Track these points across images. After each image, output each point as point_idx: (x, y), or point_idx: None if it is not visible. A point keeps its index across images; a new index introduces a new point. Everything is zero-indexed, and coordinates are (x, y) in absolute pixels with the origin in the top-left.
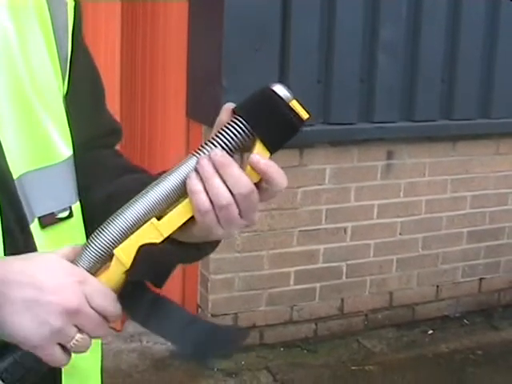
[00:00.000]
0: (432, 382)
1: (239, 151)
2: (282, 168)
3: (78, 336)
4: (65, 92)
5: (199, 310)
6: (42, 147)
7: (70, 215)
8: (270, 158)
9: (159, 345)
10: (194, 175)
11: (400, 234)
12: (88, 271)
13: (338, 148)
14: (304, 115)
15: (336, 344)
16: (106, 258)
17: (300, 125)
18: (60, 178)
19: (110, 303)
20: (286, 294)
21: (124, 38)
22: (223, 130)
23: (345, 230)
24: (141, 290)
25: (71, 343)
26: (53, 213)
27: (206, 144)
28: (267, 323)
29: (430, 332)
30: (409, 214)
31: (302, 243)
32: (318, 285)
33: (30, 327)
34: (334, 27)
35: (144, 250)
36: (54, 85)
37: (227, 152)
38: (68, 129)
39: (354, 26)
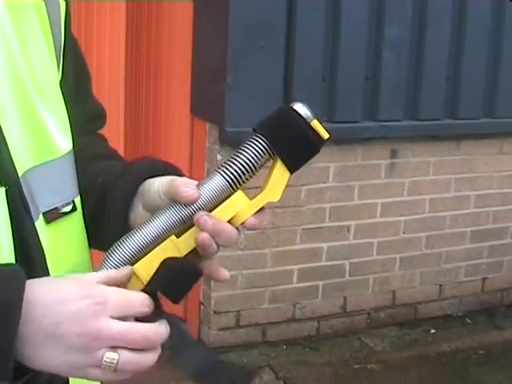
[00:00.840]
0: (434, 381)
1: (259, 169)
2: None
3: (109, 355)
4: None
5: (202, 307)
6: (44, 142)
7: (74, 209)
8: (290, 177)
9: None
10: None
11: (403, 232)
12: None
13: (342, 146)
14: (325, 135)
15: (338, 342)
16: None
17: (321, 145)
18: (62, 172)
19: (135, 311)
20: (288, 291)
21: (129, 34)
22: (244, 149)
23: (348, 228)
24: (156, 313)
25: (104, 365)
26: (56, 208)
27: (228, 161)
28: (270, 321)
29: (433, 331)
30: (412, 213)
31: (306, 241)
32: (320, 283)
33: (56, 360)
34: (339, 25)
35: (163, 266)
36: (53, 79)
37: (246, 170)
38: (68, 122)
39: (359, 23)
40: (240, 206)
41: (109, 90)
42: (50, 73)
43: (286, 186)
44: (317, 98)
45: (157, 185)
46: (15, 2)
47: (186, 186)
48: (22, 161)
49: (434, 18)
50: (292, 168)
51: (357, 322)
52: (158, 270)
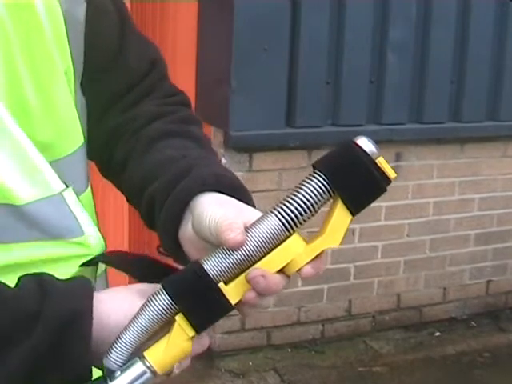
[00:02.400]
0: None
1: (318, 210)
2: (291, 169)
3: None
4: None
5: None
6: (37, 147)
7: None
8: (351, 220)
9: None
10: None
11: (408, 235)
12: None
13: None
14: (391, 174)
15: (343, 345)
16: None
17: (386, 184)
18: (66, 171)
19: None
20: (293, 295)
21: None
22: (302, 187)
23: (353, 231)
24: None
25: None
26: None
27: (285, 201)
28: (275, 324)
29: (438, 334)
30: (416, 216)
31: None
32: (325, 286)
33: None
34: (344, 28)
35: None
36: (59, 76)
37: (304, 211)
38: (77, 120)
39: (363, 27)
40: (296, 251)
41: None
42: (55, 69)
43: (348, 230)
44: (321, 102)
45: (208, 217)
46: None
47: (229, 229)
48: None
49: (438, 21)
50: (354, 210)
51: (362, 325)
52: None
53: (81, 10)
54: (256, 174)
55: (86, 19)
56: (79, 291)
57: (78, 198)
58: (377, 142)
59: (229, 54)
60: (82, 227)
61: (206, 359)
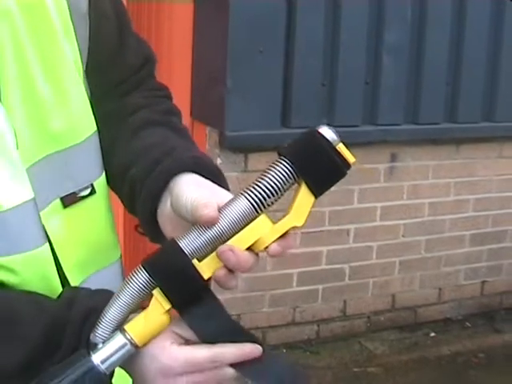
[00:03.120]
0: None
1: (284, 192)
2: None
3: None
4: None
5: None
6: (56, 135)
7: (93, 192)
8: (315, 201)
9: None
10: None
11: (403, 236)
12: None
13: None
14: (350, 159)
15: (338, 346)
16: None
17: (347, 169)
18: (79, 159)
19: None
20: (288, 295)
21: None
22: (268, 172)
23: (348, 231)
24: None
25: None
26: (74, 192)
27: (253, 184)
28: (270, 324)
29: (433, 334)
30: (412, 217)
31: (305, 245)
32: (320, 286)
33: None
34: (339, 30)
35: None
36: (69, 66)
37: (271, 193)
38: (89, 106)
39: (358, 28)
40: (263, 230)
41: None
42: (66, 60)
43: (311, 211)
44: (316, 103)
45: (185, 197)
46: None
47: (205, 206)
48: (33, 152)
49: (433, 22)
50: (317, 192)
51: (357, 326)
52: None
53: (84, 4)
54: (251, 175)
55: (89, 15)
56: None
57: (94, 184)
58: (372, 143)
59: (224, 54)
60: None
61: None
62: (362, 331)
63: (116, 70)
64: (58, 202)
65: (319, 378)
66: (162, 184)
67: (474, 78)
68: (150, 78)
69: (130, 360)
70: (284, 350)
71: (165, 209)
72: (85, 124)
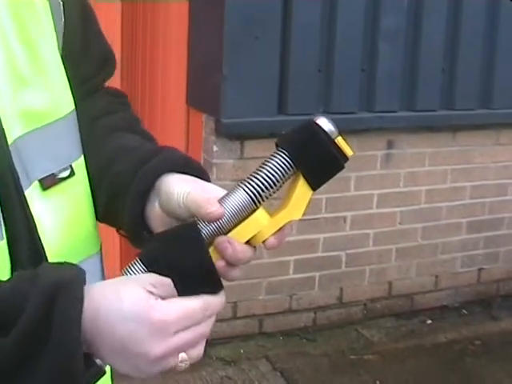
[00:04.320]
0: (431, 372)
1: (282, 184)
2: None
3: (181, 357)
4: (61, 43)
5: None
6: (35, 109)
7: (72, 174)
8: (312, 195)
9: None
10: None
11: (399, 223)
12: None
13: None
14: (348, 152)
15: (335, 333)
16: None
17: (344, 161)
18: (57, 137)
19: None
20: (285, 282)
21: (124, 34)
22: (267, 164)
23: (344, 219)
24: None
25: (178, 366)
26: (53, 173)
27: (251, 176)
28: (266, 312)
29: (429, 322)
30: (408, 204)
31: (302, 232)
32: (317, 274)
33: (127, 369)
34: (335, 16)
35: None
36: (50, 43)
37: (270, 185)
38: (67, 84)
39: (355, 14)
40: (262, 224)
41: None
42: (48, 37)
43: (308, 204)
44: (313, 89)
45: (176, 193)
46: None
47: (209, 203)
48: (13, 127)
49: (429, 9)
50: (314, 185)
51: (353, 313)
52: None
53: None
54: (248, 162)
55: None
56: (70, 267)
57: (72, 165)
58: (369, 130)
59: (220, 40)
60: None
61: None
62: (359, 319)
63: (80, 68)
64: (36, 183)
65: (316, 365)
66: (151, 183)
67: (471, 65)
68: (108, 79)
69: (102, 340)
70: (281, 338)
71: (153, 209)
72: (64, 100)
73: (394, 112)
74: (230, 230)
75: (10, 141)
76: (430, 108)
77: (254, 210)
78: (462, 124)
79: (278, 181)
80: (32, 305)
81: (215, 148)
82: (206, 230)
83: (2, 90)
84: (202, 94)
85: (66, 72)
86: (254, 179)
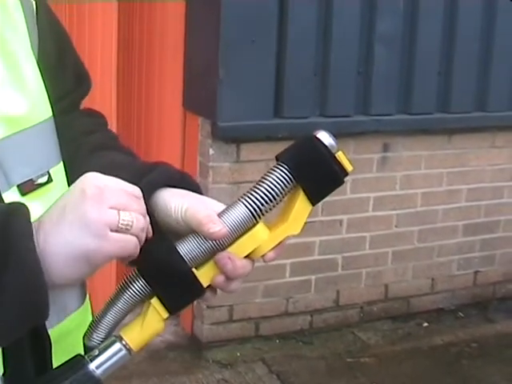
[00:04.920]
0: (427, 375)
1: (282, 199)
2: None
3: (121, 214)
4: (36, 55)
5: (195, 302)
6: (11, 114)
7: (50, 180)
8: (312, 209)
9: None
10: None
11: (396, 226)
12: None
13: None
14: (348, 167)
15: (331, 336)
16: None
17: (344, 176)
18: (35, 142)
19: (122, 185)
20: (281, 286)
21: (121, 34)
22: (267, 178)
23: (340, 222)
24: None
25: (120, 224)
26: (31, 179)
27: (251, 191)
28: (263, 315)
29: (425, 324)
30: (404, 207)
31: (298, 235)
32: (313, 277)
33: (74, 236)
34: (331, 19)
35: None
36: (23, 45)
37: (269, 200)
38: (45, 91)
39: (351, 18)
40: (261, 239)
41: (101, 86)
42: (23, 44)
43: (307, 219)
44: (309, 93)
45: (174, 207)
46: None
47: (211, 221)
48: None
49: (425, 12)
50: (314, 200)
51: (350, 316)
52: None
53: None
54: (244, 165)
55: (37, 17)
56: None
57: (50, 172)
58: (365, 133)
59: (216, 44)
60: None
61: (193, 350)
62: (355, 321)
63: (55, 85)
64: (15, 189)
65: (312, 368)
66: (147, 197)
67: (467, 68)
68: (83, 99)
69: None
70: (277, 341)
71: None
72: (41, 106)
73: (390, 115)
74: (229, 245)
75: None
76: (426, 111)
77: (254, 225)
78: (458, 127)
79: (277, 195)
80: None
81: (211, 151)
82: (206, 245)
83: None
84: (199, 97)
85: (43, 79)
86: (254, 194)
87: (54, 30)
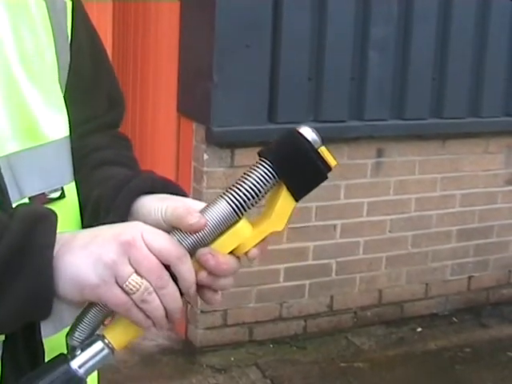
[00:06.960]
0: (421, 379)
1: (265, 195)
2: None
3: (134, 276)
4: (66, 75)
5: (188, 306)
6: (31, 127)
7: (62, 196)
8: (295, 206)
9: (148, 341)
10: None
11: (389, 231)
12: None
13: (328, 145)
14: (332, 162)
15: (325, 341)
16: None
17: (327, 172)
18: (50, 158)
19: (168, 245)
20: (275, 290)
21: (116, 34)
22: (249, 174)
23: (334, 227)
24: None
25: (127, 282)
26: (44, 193)
27: (233, 187)
28: (257, 320)
29: (419, 330)
30: (398, 212)
31: (292, 240)
32: (307, 282)
33: (85, 265)
34: (325, 25)
35: None
36: (48, 66)
37: (252, 196)
38: (65, 110)
39: (345, 23)
40: (244, 235)
41: None
42: (46, 61)
43: (291, 215)
44: (303, 98)
45: (154, 210)
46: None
47: (189, 213)
48: (6, 143)
49: (419, 18)
50: (297, 196)
51: (343, 321)
52: None
53: (63, 19)
54: (238, 170)
55: (71, 39)
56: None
57: (64, 188)
58: (358, 138)
59: (211, 49)
60: None
61: (187, 355)
62: (349, 326)
63: (84, 108)
64: (26, 200)
65: (306, 373)
66: (130, 203)
67: (460, 74)
68: (115, 123)
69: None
70: (271, 346)
71: None
72: (60, 123)
73: (384, 120)
74: (212, 241)
75: (1, 154)
76: (420, 116)
77: (237, 221)
78: (452, 132)
79: (260, 191)
80: (14, 229)
81: (206, 156)
82: (187, 241)
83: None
84: (193, 102)
85: (65, 97)
86: (236, 190)
87: (92, 44)
